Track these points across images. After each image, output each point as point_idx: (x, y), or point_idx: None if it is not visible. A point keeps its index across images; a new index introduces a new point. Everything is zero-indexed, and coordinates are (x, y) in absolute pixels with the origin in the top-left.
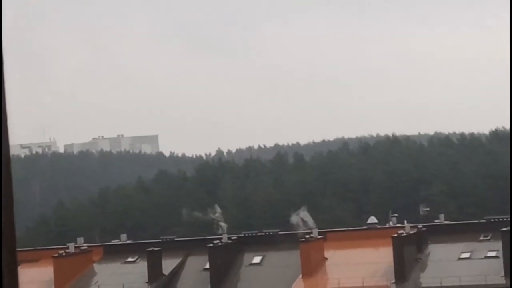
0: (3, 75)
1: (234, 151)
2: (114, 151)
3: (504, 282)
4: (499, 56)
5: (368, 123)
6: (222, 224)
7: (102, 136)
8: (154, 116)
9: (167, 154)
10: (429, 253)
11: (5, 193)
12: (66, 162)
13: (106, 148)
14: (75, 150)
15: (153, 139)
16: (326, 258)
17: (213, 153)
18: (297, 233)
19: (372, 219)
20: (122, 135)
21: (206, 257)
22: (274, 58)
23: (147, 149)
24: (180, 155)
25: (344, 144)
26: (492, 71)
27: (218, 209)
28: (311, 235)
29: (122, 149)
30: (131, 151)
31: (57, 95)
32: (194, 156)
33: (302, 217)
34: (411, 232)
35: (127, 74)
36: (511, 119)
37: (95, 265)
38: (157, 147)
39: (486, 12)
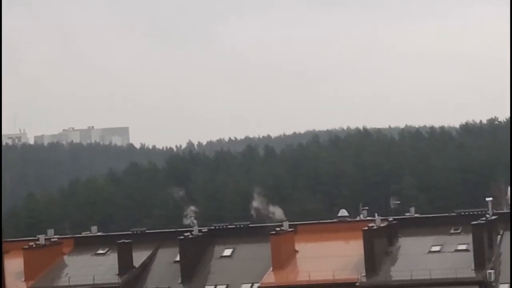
0: None
1: (204, 143)
2: (84, 143)
3: (474, 275)
4: (470, 50)
5: (338, 116)
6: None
7: (73, 128)
8: (125, 108)
9: (137, 146)
10: (399, 246)
11: None
12: (36, 154)
13: (77, 139)
14: (45, 142)
15: (124, 131)
16: (297, 251)
17: (183, 145)
18: (267, 226)
19: (343, 212)
20: (93, 127)
21: (177, 250)
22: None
23: (117, 141)
24: (150, 147)
25: (314, 137)
26: (463, 65)
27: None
28: (282, 228)
29: (93, 141)
30: (101, 142)
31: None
32: (164, 148)
33: (272, 210)
34: (382, 225)
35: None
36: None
37: (65, 257)
38: (127, 139)
39: (454, 4)
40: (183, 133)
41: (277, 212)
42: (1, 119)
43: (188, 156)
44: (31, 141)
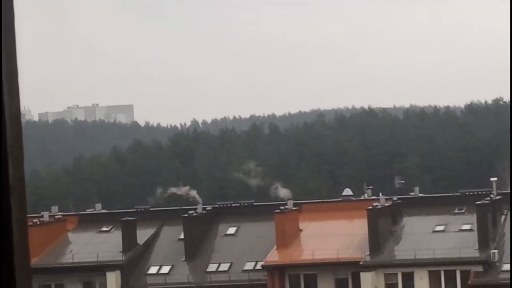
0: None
1: (209, 121)
2: (89, 120)
3: (478, 255)
4: (471, 30)
5: (344, 95)
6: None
7: (77, 105)
8: (129, 86)
9: (142, 124)
10: (403, 226)
11: (15, 151)
12: (40, 131)
13: (81, 117)
14: (50, 119)
15: (128, 109)
16: (301, 230)
17: (188, 124)
18: (272, 205)
19: (347, 191)
20: (97, 104)
21: (181, 227)
22: (247, 29)
23: (122, 118)
24: (155, 125)
25: (319, 116)
26: (465, 44)
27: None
28: (286, 207)
29: (97, 118)
30: (106, 120)
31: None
32: (169, 126)
33: (275, 189)
34: (386, 204)
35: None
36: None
37: (69, 234)
38: (132, 117)
39: None
40: (187, 112)
41: (283, 191)
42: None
43: (192, 134)
44: (36, 118)
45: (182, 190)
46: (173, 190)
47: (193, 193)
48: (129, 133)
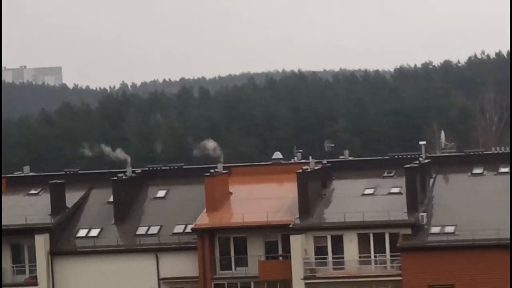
0: None
1: (138, 84)
2: (16, 82)
3: (407, 218)
4: None
5: (274, 59)
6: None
7: (5, 67)
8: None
9: (70, 86)
10: (333, 189)
11: None
12: None
13: (9, 79)
14: None
15: (57, 71)
16: (231, 193)
17: (117, 86)
18: (202, 168)
19: (277, 155)
20: (25, 66)
21: (110, 191)
22: None
23: (50, 80)
24: (84, 87)
25: (250, 79)
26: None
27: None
28: (216, 170)
29: (25, 81)
30: (34, 82)
31: None
32: (98, 89)
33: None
34: (316, 168)
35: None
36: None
37: None
38: (60, 79)
39: None
40: (117, 75)
41: (213, 145)
42: None
43: (121, 97)
44: None
45: (111, 153)
46: (102, 152)
47: (123, 155)
48: (58, 95)
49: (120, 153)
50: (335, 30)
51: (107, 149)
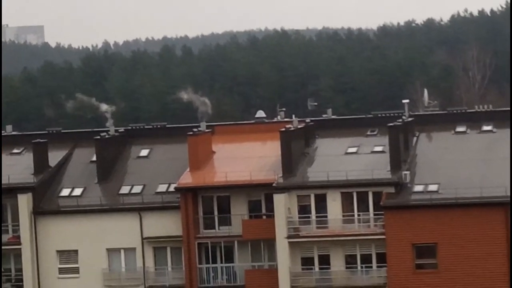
0: None
1: (121, 43)
2: None
3: (390, 176)
4: None
5: (257, 17)
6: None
7: None
8: (40, 6)
9: (53, 45)
10: (316, 148)
11: None
12: None
13: None
14: None
15: (39, 30)
16: (214, 152)
17: (99, 45)
18: (185, 127)
19: (260, 113)
20: (7, 25)
21: (93, 150)
22: None
23: (32, 39)
24: (66, 46)
25: (232, 38)
26: None
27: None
28: (199, 129)
29: (7, 39)
30: (16, 41)
31: None
32: (80, 48)
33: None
34: (299, 126)
35: None
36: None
37: None
38: (42, 38)
39: None
40: (99, 34)
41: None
42: None
43: (103, 56)
44: None
45: (93, 112)
46: (85, 110)
47: (105, 114)
48: (40, 54)
49: (103, 106)
50: None
51: (91, 100)
